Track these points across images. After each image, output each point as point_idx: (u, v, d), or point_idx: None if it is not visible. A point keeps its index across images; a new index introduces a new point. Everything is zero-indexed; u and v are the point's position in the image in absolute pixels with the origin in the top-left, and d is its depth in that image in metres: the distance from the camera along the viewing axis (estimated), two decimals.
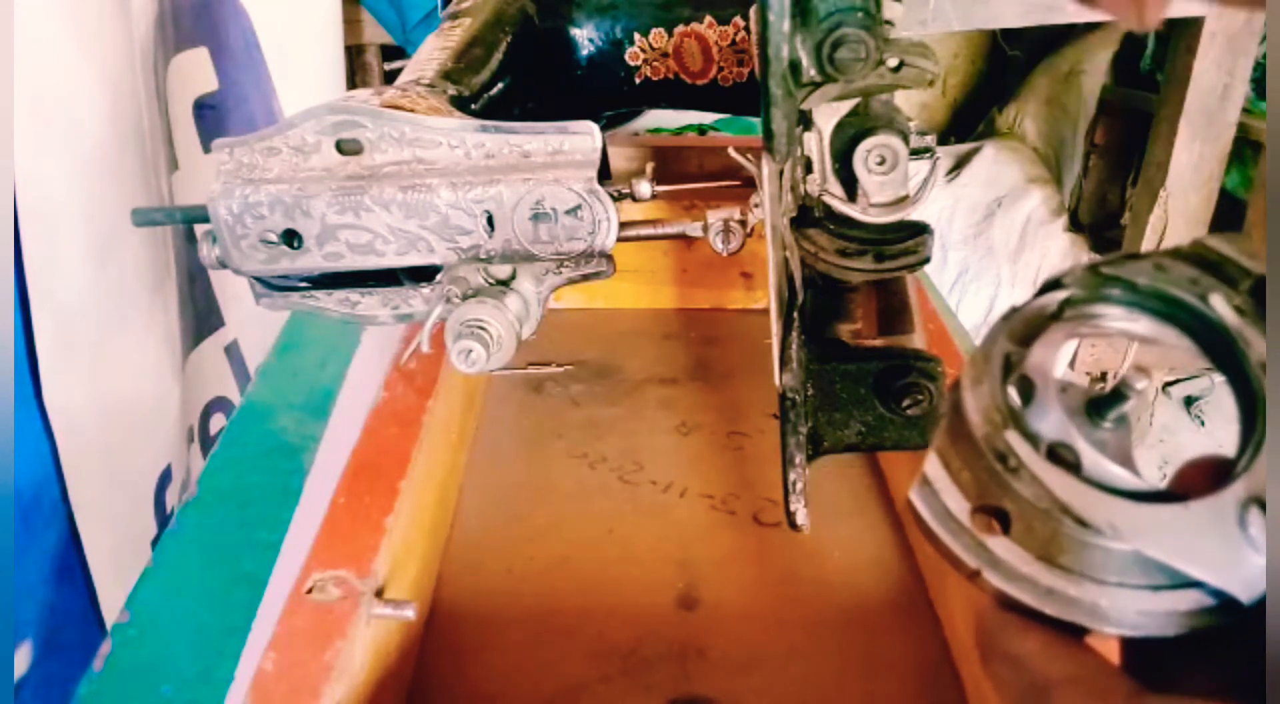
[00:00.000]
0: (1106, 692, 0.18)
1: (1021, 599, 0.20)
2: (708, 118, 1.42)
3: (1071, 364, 0.21)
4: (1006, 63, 2.04)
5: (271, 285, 0.43)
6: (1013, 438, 0.20)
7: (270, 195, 0.39)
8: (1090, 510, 0.19)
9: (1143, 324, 0.22)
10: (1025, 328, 0.22)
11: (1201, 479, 0.20)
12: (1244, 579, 0.18)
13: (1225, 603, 0.19)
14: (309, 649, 0.37)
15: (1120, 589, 0.19)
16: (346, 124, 0.39)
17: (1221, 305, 0.21)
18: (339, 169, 0.39)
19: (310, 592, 0.40)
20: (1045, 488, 0.19)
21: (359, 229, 0.39)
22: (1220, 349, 0.21)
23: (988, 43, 2.01)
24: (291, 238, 0.39)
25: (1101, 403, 0.21)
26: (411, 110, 0.39)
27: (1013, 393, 0.21)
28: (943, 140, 2.14)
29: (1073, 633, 0.20)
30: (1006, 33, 1.91)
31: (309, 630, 0.38)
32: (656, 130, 1.37)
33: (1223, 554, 0.18)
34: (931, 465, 0.21)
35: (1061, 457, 0.20)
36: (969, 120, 2.18)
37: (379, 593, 0.41)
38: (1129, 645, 0.21)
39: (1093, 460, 0.20)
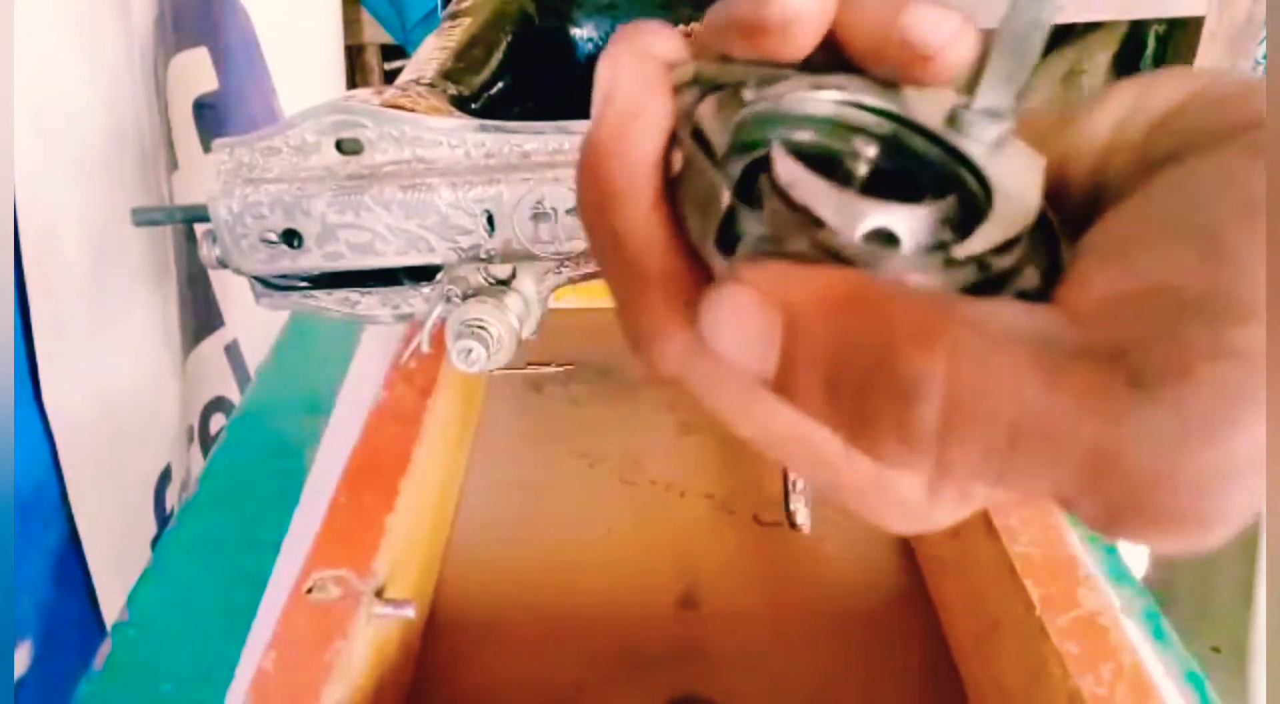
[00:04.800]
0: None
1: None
2: None
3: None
4: None
5: (271, 285, 0.43)
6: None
7: (270, 195, 0.39)
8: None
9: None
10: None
11: None
12: None
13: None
14: (309, 649, 0.37)
15: None
16: (346, 123, 0.39)
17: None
18: (339, 168, 0.39)
19: (310, 591, 0.40)
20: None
21: (359, 228, 0.39)
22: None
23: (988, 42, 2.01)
24: (291, 237, 0.39)
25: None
26: (411, 110, 0.39)
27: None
28: None
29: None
30: None
31: (309, 630, 0.38)
32: None
33: None
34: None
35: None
36: None
37: (379, 592, 0.41)
38: None
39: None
